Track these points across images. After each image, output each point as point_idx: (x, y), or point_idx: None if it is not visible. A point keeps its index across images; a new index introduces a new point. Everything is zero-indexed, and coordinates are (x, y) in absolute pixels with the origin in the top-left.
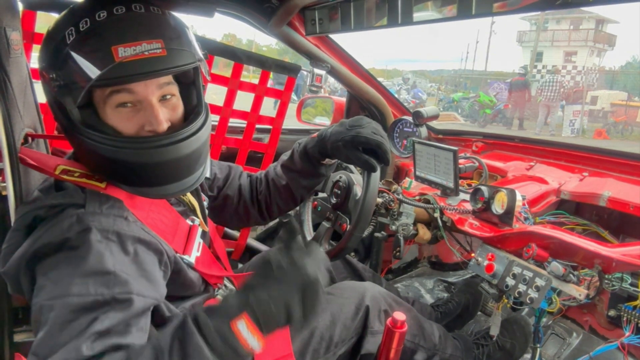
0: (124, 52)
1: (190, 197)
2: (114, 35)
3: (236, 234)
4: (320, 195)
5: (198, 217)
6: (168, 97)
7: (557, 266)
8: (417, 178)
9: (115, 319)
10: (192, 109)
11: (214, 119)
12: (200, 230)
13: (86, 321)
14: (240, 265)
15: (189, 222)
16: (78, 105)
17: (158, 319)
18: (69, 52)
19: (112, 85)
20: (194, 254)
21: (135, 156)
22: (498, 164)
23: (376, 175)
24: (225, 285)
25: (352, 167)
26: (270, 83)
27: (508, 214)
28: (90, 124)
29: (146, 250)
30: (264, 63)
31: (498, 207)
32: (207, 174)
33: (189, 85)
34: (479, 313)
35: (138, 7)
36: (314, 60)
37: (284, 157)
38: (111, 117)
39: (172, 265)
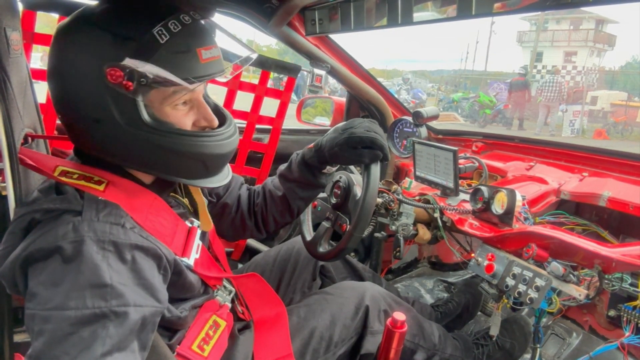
0: (205, 54)
1: (192, 197)
2: (198, 38)
3: None
4: (320, 195)
5: (198, 219)
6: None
7: (557, 266)
8: (417, 178)
9: (115, 337)
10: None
11: None
12: (199, 231)
13: (86, 334)
14: (240, 266)
15: (188, 224)
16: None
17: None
18: (162, 50)
19: (201, 82)
20: (193, 256)
21: (210, 148)
22: (498, 164)
23: (376, 176)
24: (224, 286)
25: (352, 167)
26: (270, 83)
27: (508, 214)
28: (153, 121)
29: (144, 256)
30: (263, 63)
31: (498, 207)
32: None
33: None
34: (479, 313)
35: (199, 15)
36: (314, 60)
37: (282, 168)
38: (170, 115)
39: (172, 268)
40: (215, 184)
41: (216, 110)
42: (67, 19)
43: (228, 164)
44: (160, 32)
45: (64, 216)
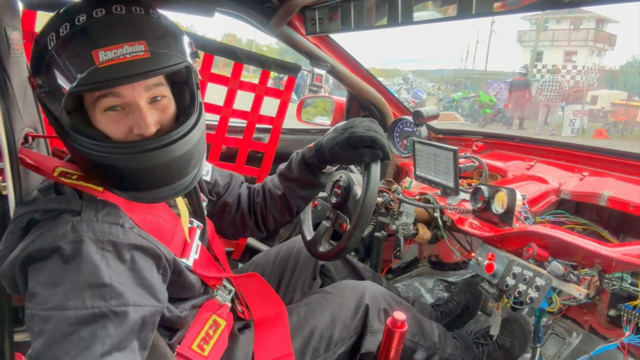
0: (104, 55)
1: (192, 198)
2: (94, 38)
3: None
4: (321, 194)
5: (198, 219)
6: (158, 98)
7: (557, 266)
8: (417, 178)
9: (115, 337)
10: (184, 109)
11: (214, 118)
12: (198, 232)
13: (85, 334)
14: (240, 265)
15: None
16: (67, 110)
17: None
18: (51, 58)
19: (93, 90)
20: (192, 257)
21: (123, 161)
22: (498, 164)
23: (376, 175)
24: (224, 286)
25: (352, 166)
26: (270, 83)
27: (508, 214)
28: (80, 129)
29: (143, 256)
30: (264, 63)
31: (498, 206)
32: (208, 179)
33: (182, 84)
34: (479, 313)
35: (119, 8)
36: (314, 59)
37: (282, 167)
38: (100, 121)
39: (171, 267)
40: (154, 198)
41: (185, 109)
42: None
43: (192, 173)
44: (51, 39)
45: (63, 216)
